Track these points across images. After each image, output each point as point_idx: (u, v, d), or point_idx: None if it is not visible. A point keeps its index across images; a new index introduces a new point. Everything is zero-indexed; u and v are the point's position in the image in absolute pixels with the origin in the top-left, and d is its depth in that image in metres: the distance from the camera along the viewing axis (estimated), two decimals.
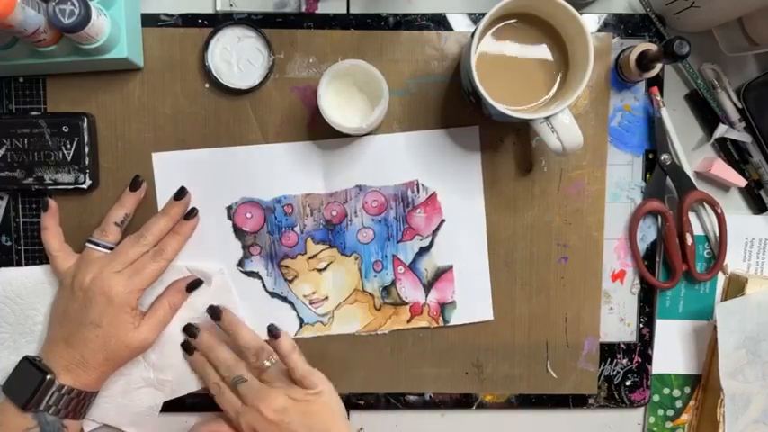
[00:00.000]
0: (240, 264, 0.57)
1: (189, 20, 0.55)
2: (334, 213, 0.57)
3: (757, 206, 0.59)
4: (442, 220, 0.57)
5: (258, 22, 0.55)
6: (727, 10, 0.52)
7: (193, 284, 0.56)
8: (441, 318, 0.58)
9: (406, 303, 0.58)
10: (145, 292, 0.53)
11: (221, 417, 0.55)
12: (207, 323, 0.56)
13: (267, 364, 0.53)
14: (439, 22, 0.56)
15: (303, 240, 0.57)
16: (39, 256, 0.56)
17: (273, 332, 0.53)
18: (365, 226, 0.57)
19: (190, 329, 0.55)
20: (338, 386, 0.54)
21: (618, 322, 0.59)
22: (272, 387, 0.52)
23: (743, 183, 0.58)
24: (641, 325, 0.59)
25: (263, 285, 0.57)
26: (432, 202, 0.57)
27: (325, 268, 0.57)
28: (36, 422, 0.49)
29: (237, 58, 0.55)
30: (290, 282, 0.57)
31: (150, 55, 0.55)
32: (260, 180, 0.56)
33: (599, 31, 0.57)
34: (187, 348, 0.56)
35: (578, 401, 0.59)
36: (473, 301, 0.57)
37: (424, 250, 0.57)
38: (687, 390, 0.60)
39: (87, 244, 0.54)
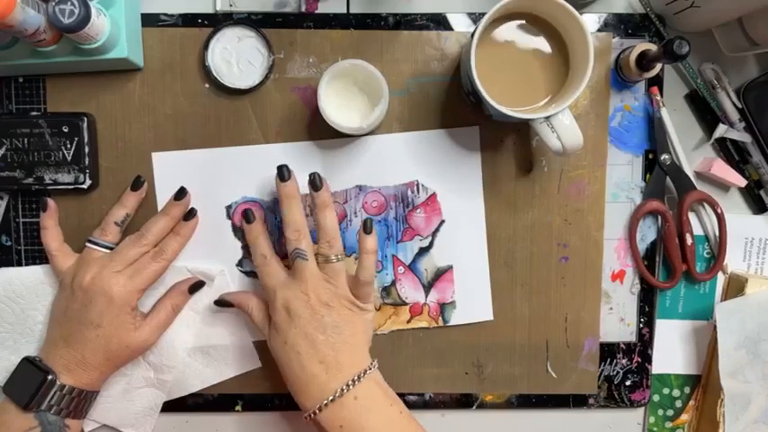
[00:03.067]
0: (240, 263, 0.57)
1: (189, 20, 0.55)
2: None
3: (757, 206, 0.59)
4: (442, 221, 0.57)
5: (258, 22, 0.55)
6: (727, 10, 0.52)
7: (196, 286, 0.56)
8: (440, 318, 0.58)
9: (406, 304, 0.58)
10: (145, 293, 0.53)
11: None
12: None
13: (334, 258, 0.51)
14: (439, 21, 0.56)
15: None
16: (39, 256, 0.56)
17: (367, 227, 0.52)
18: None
19: (282, 172, 0.52)
20: None
21: (618, 322, 0.59)
22: (328, 280, 0.51)
23: (743, 183, 0.58)
24: (641, 325, 0.59)
25: None
26: (431, 202, 0.57)
27: None
28: (38, 422, 0.49)
29: (237, 58, 0.55)
30: None
31: (150, 55, 0.55)
32: (260, 180, 0.56)
33: (599, 31, 0.57)
34: (247, 218, 0.53)
35: (578, 401, 0.59)
36: (473, 301, 0.57)
37: (423, 250, 0.57)
38: (687, 390, 0.60)
39: (87, 244, 0.54)
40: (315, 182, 0.52)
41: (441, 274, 0.57)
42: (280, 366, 0.51)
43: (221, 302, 0.55)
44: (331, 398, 0.48)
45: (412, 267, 0.57)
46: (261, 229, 0.54)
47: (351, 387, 0.49)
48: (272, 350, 0.51)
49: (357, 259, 0.55)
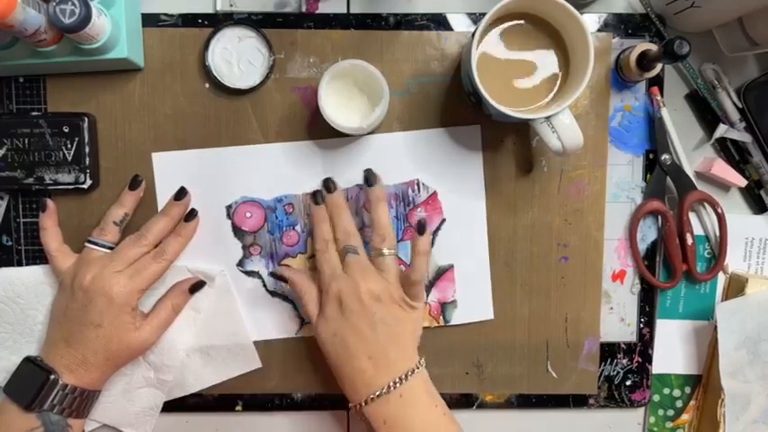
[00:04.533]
0: (240, 263, 0.57)
1: (189, 20, 0.55)
2: None
3: (757, 206, 0.59)
4: (443, 220, 0.57)
5: (258, 22, 0.55)
6: (727, 10, 0.52)
7: (197, 286, 0.56)
8: (441, 317, 0.58)
9: None
10: (146, 293, 0.53)
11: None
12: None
13: (386, 251, 0.52)
14: (439, 22, 0.56)
15: (304, 239, 0.57)
16: (39, 256, 0.56)
17: (422, 226, 0.53)
18: (366, 226, 0.57)
19: (327, 184, 0.55)
20: (338, 386, 0.54)
21: (618, 322, 0.59)
22: (379, 273, 0.52)
23: (743, 183, 0.58)
24: (641, 325, 0.59)
25: (264, 285, 0.57)
26: (432, 201, 0.57)
27: None
28: (40, 422, 0.49)
29: (238, 58, 0.55)
30: None
31: (150, 55, 0.55)
32: (260, 180, 0.56)
33: (599, 31, 0.57)
34: (316, 199, 0.55)
35: (578, 401, 0.59)
36: (474, 300, 0.57)
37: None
38: (687, 390, 0.60)
39: (87, 243, 0.54)
40: (368, 178, 0.55)
41: (442, 273, 0.57)
42: (327, 355, 0.52)
43: (277, 275, 0.55)
44: (378, 393, 0.49)
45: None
46: (324, 216, 0.54)
47: (398, 385, 0.49)
48: (319, 338, 0.52)
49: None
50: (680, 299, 0.60)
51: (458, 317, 0.58)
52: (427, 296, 0.57)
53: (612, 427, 0.60)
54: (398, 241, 0.57)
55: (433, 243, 0.57)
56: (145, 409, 0.57)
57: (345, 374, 0.50)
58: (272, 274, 0.56)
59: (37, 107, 0.55)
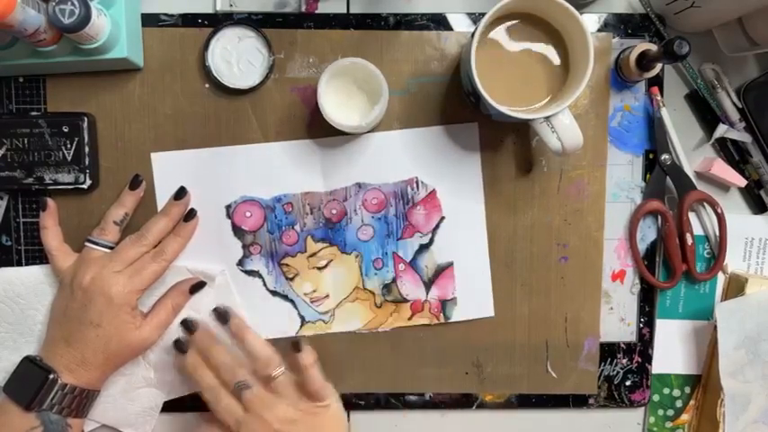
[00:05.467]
0: (240, 263, 0.57)
1: (189, 20, 0.55)
2: (334, 211, 0.57)
3: (757, 206, 0.59)
4: (442, 217, 0.57)
5: (258, 22, 0.55)
6: (727, 10, 0.52)
7: (197, 286, 0.56)
8: (442, 315, 0.58)
9: (407, 301, 0.58)
10: (146, 293, 0.53)
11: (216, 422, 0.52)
12: (204, 323, 0.55)
13: (275, 373, 0.51)
14: (439, 22, 0.56)
15: (303, 239, 0.57)
16: (39, 256, 0.56)
17: (298, 346, 0.51)
18: (365, 223, 0.57)
19: (187, 324, 0.54)
20: (338, 386, 0.54)
21: (618, 322, 0.59)
22: (280, 397, 0.51)
23: (743, 183, 0.58)
24: (641, 325, 0.59)
25: (264, 284, 0.57)
26: (431, 199, 0.57)
27: (325, 266, 0.57)
28: (40, 422, 0.49)
29: (237, 58, 0.55)
30: (291, 280, 0.57)
31: (150, 55, 0.55)
32: (259, 179, 0.56)
33: (599, 31, 0.57)
34: (180, 347, 0.53)
35: (578, 401, 0.59)
36: (474, 297, 0.57)
37: (424, 247, 0.57)
38: (687, 390, 0.60)
39: (86, 243, 0.54)
40: (222, 314, 0.54)
41: (441, 270, 0.57)
42: None
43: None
44: None
45: (412, 264, 0.57)
46: (197, 362, 0.52)
47: None
48: None
49: (357, 257, 0.55)
50: (680, 299, 0.60)
51: (458, 314, 0.58)
52: (427, 294, 0.57)
53: (612, 427, 0.60)
54: (398, 239, 0.57)
55: (432, 241, 0.57)
56: (145, 409, 0.57)
57: None
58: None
59: (37, 107, 0.55)
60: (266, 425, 0.49)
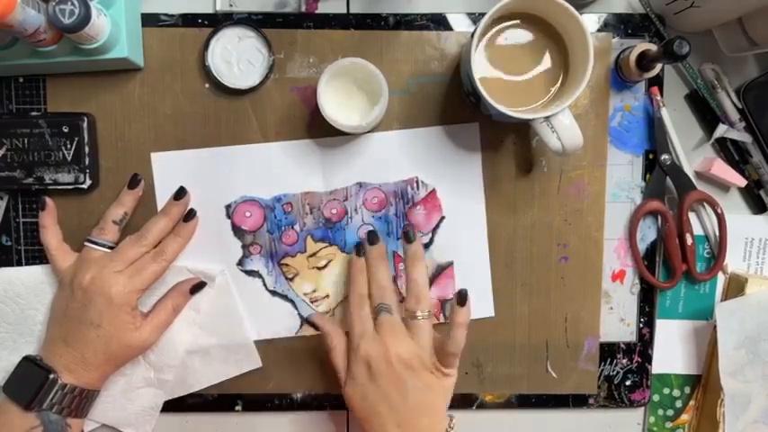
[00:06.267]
0: (240, 263, 0.57)
1: (189, 20, 0.55)
2: (335, 211, 0.57)
3: (757, 206, 0.59)
4: (442, 217, 0.57)
5: (258, 22, 0.55)
6: (727, 10, 0.52)
7: (197, 287, 0.56)
8: (442, 314, 0.58)
9: None
10: (146, 293, 0.53)
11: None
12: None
13: (420, 315, 0.51)
14: (439, 22, 0.56)
15: (303, 239, 0.57)
16: (39, 256, 0.56)
17: (463, 299, 0.51)
18: (365, 223, 0.57)
19: (371, 237, 0.54)
20: (338, 386, 0.54)
21: (618, 322, 0.59)
22: (412, 337, 0.50)
23: (743, 183, 0.58)
24: (641, 325, 0.59)
25: (264, 284, 0.57)
26: (431, 198, 0.57)
27: (325, 266, 0.57)
28: (39, 421, 0.49)
29: (237, 58, 0.55)
30: (291, 280, 0.57)
31: (150, 55, 0.55)
32: (259, 179, 0.56)
33: (599, 31, 0.57)
34: (358, 251, 0.54)
35: (578, 401, 0.59)
36: (474, 297, 0.57)
37: (424, 247, 0.57)
38: (687, 390, 0.60)
39: (86, 243, 0.53)
40: (408, 234, 0.53)
41: (441, 270, 0.57)
42: (354, 413, 0.51)
43: (311, 322, 0.56)
44: None
45: None
46: (362, 267, 0.54)
47: None
48: (347, 398, 0.51)
49: (357, 253, 0.55)
50: (679, 299, 0.60)
51: None
52: None
53: (612, 427, 0.60)
54: (398, 239, 0.57)
55: (432, 241, 0.57)
56: (145, 408, 0.57)
57: None
58: (307, 320, 0.56)
59: (36, 107, 0.55)
60: (385, 352, 0.49)
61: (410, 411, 0.49)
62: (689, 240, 0.57)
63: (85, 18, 0.46)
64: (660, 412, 0.61)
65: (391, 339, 0.50)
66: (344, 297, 0.57)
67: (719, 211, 0.57)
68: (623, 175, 0.58)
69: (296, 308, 0.58)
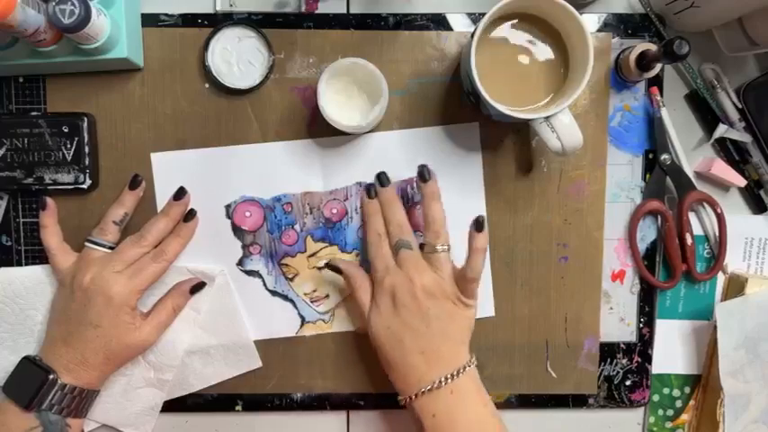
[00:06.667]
0: (240, 263, 0.57)
1: (189, 20, 0.55)
2: (335, 211, 0.57)
3: (757, 206, 0.59)
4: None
5: (258, 22, 0.55)
6: (727, 10, 0.52)
7: (197, 287, 0.56)
8: None
9: None
10: (146, 293, 0.53)
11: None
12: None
13: (440, 248, 0.52)
14: (439, 22, 0.56)
15: (303, 238, 0.57)
16: (39, 256, 0.56)
17: (481, 225, 0.51)
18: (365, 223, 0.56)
19: (381, 178, 0.55)
20: (338, 386, 0.54)
21: (618, 322, 0.59)
22: (433, 270, 0.51)
23: (743, 183, 0.58)
24: (641, 325, 0.59)
25: (264, 284, 0.57)
26: None
27: (325, 266, 0.57)
28: (39, 422, 0.49)
29: (237, 58, 0.55)
30: (291, 280, 0.57)
31: (150, 55, 0.55)
32: (259, 179, 0.56)
33: (599, 31, 0.57)
34: (369, 193, 0.55)
35: (578, 401, 0.59)
36: None
37: (424, 247, 0.57)
38: (687, 390, 0.60)
39: (86, 243, 0.53)
40: (423, 173, 0.54)
41: None
42: (378, 347, 0.52)
43: (332, 266, 0.55)
44: (428, 387, 0.49)
45: None
46: (376, 209, 0.54)
47: (449, 381, 0.49)
48: (370, 330, 0.52)
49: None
50: (679, 299, 0.60)
51: None
52: None
53: (612, 427, 0.60)
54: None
55: None
56: (145, 409, 0.57)
57: (397, 368, 0.51)
58: (327, 265, 0.55)
59: (36, 107, 0.55)
60: (410, 284, 0.50)
61: (433, 338, 0.50)
62: (689, 240, 0.57)
63: (85, 18, 0.46)
64: (660, 412, 0.61)
65: (414, 272, 0.51)
66: (345, 297, 0.57)
67: (719, 211, 0.57)
68: (623, 174, 0.58)
69: (296, 308, 0.58)
